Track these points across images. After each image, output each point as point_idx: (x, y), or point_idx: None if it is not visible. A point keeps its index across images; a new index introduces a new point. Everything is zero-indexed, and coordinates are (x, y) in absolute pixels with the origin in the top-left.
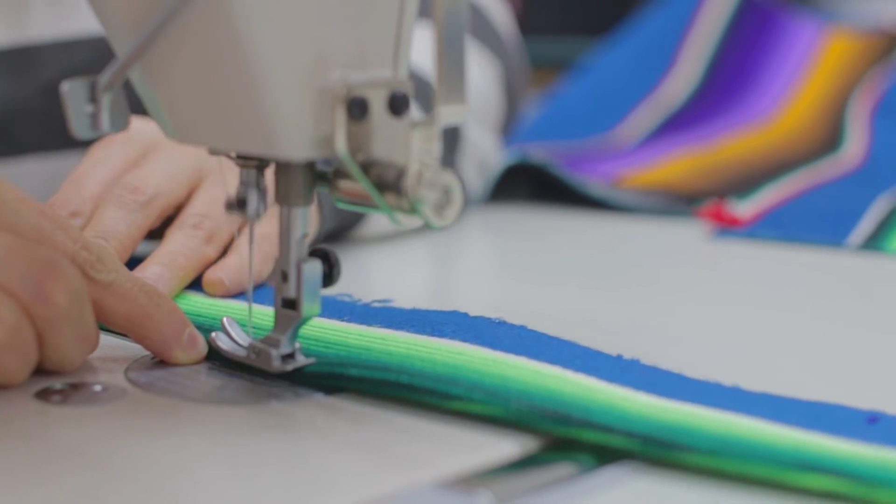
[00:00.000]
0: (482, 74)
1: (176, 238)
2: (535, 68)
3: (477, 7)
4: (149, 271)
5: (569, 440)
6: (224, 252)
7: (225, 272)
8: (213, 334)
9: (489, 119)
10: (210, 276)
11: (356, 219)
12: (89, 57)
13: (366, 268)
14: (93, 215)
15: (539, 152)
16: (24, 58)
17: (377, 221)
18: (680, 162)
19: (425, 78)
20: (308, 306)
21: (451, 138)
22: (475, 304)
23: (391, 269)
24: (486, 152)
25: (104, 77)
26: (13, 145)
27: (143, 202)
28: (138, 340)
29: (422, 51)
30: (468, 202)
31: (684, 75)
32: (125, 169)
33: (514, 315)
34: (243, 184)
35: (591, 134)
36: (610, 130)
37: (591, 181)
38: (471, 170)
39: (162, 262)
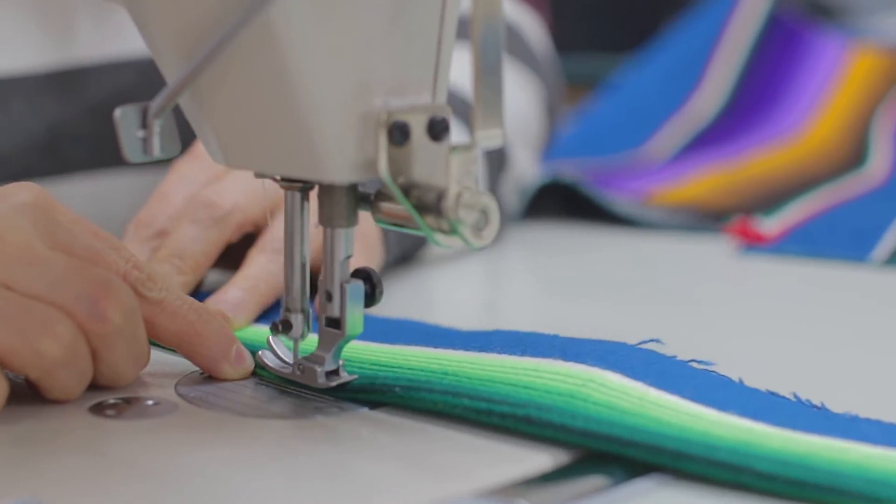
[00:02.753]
0: (525, 96)
1: (257, 262)
2: (565, 85)
3: (514, 27)
4: (230, 295)
5: (598, 453)
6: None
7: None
8: (260, 352)
9: (529, 139)
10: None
11: (420, 243)
12: (135, 78)
13: (409, 286)
14: (164, 234)
15: (570, 171)
16: (71, 79)
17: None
18: (707, 179)
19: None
20: (351, 325)
21: (498, 160)
22: (513, 322)
23: (433, 287)
24: (524, 172)
25: (155, 103)
26: (61, 164)
27: (219, 217)
28: (188, 356)
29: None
30: (506, 220)
31: (712, 92)
32: (209, 184)
33: (549, 331)
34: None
35: (621, 150)
36: (639, 147)
37: (620, 199)
38: (511, 190)
39: (243, 287)
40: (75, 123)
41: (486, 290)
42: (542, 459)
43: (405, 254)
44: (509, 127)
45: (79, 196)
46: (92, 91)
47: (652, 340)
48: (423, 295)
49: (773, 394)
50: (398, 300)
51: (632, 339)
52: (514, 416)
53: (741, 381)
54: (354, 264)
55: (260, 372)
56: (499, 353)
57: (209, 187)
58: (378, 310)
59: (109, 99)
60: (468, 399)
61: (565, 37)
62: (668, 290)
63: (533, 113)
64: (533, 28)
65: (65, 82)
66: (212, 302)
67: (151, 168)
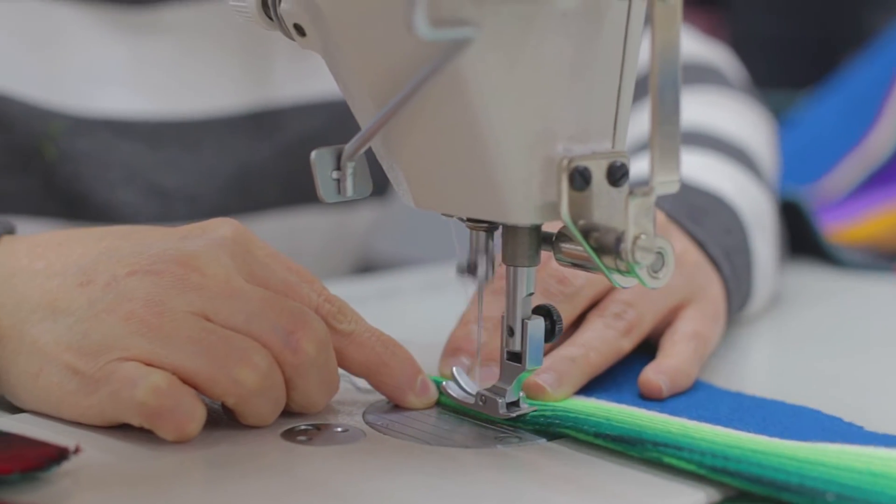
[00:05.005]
0: (766, 133)
1: (595, 326)
2: None
3: (713, 65)
4: (556, 365)
5: (744, 493)
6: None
7: (663, 378)
8: (444, 383)
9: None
10: (650, 380)
11: (741, 306)
12: (326, 121)
13: None
14: None
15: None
16: (266, 121)
17: (756, 300)
18: (883, 218)
19: (740, 146)
20: (531, 359)
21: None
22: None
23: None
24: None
25: (349, 146)
26: (252, 203)
27: (570, 294)
28: (375, 386)
29: (729, 119)
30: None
31: (889, 129)
32: None
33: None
34: (473, 249)
35: (798, 186)
36: (816, 183)
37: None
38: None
39: (572, 356)
40: (266, 163)
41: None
42: (698, 496)
43: (731, 317)
44: (768, 164)
45: (270, 233)
46: (284, 133)
47: None
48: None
49: None
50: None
51: (813, 376)
52: None
53: None
54: (703, 332)
55: (444, 402)
56: None
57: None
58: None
59: (300, 139)
60: None
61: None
62: (844, 328)
63: (771, 148)
64: (731, 65)
65: (260, 124)
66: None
67: (339, 205)
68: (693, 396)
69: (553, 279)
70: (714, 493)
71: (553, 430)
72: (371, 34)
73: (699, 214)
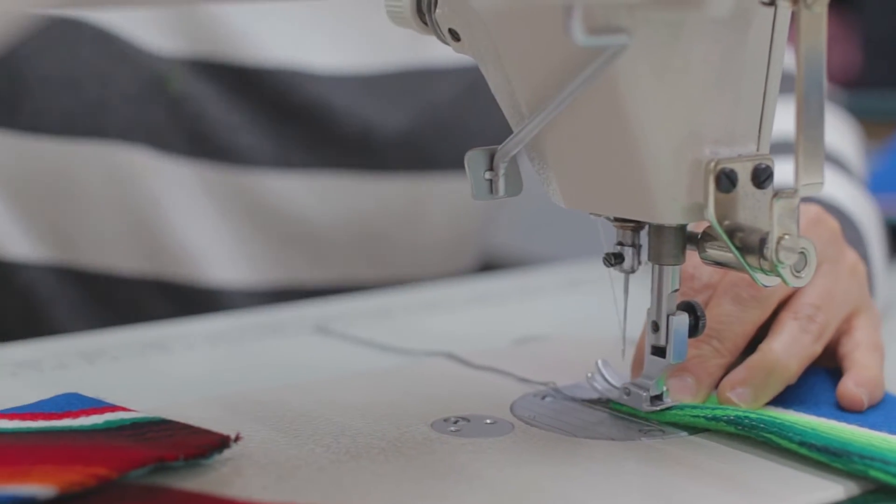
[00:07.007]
0: (853, 139)
1: (789, 329)
2: (873, 122)
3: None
4: (755, 372)
5: (886, 488)
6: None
7: (864, 391)
8: (589, 374)
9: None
10: (852, 392)
11: None
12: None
13: None
14: (710, 287)
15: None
16: (405, 83)
17: None
18: None
19: (836, 154)
20: (676, 353)
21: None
22: None
23: None
24: None
25: (502, 148)
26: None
27: (761, 297)
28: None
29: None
30: None
31: None
32: None
33: None
34: (620, 242)
35: None
36: None
37: None
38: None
39: (765, 365)
40: (396, 125)
41: None
42: (837, 489)
43: None
44: (859, 169)
45: (394, 194)
46: (421, 94)
47: None
48: None
49: None
50: None
51: None
52: None
53: None
54: (879, 342)
55: (615, 406)
56: None
57: None
58: None
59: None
60: None
61: (874, 73)
62: None
63: (859, 153)
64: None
65: (394, 84)
66: (727, 384)
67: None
68: (891, 412)
69: (743, 281)
70: (853, 487)
71: (755, 434)
72: (526, 40)
73: None
